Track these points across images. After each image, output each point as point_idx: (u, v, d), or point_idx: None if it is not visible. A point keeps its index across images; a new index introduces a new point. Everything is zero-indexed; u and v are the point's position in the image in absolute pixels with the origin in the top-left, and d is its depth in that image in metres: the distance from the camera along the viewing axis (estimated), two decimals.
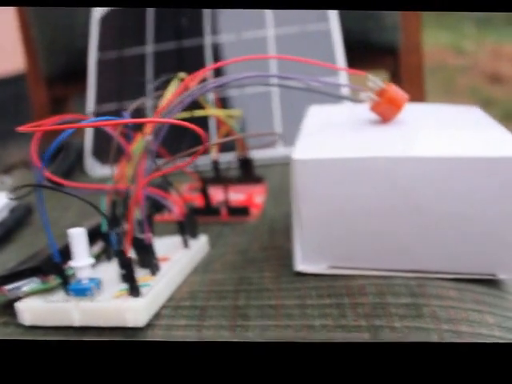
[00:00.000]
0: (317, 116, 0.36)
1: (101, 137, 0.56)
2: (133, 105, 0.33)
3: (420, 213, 0.29)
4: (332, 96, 0.37)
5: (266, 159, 0.51)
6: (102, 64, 0.59)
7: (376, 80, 0.33)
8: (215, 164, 0.46)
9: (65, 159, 0.55)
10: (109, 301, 0.27)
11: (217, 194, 0.43)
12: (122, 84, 0.58)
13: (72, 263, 0.28)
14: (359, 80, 0.38)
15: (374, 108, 0.33)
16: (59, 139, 0.26)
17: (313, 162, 0.29)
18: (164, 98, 0.32)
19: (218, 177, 0.46)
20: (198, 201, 0.42)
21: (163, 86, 0.33)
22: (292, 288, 0.30)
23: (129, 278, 0.27)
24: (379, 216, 0.29)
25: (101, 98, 0.58)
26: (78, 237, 0.28)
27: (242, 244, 0.36)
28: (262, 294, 0.30)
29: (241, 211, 0.41)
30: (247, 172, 0.46)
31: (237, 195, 0.44)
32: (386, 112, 0.33)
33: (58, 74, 0.74)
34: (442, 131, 0.32)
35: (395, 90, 0.33)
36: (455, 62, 1.98)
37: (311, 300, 0.29)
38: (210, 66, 0.36)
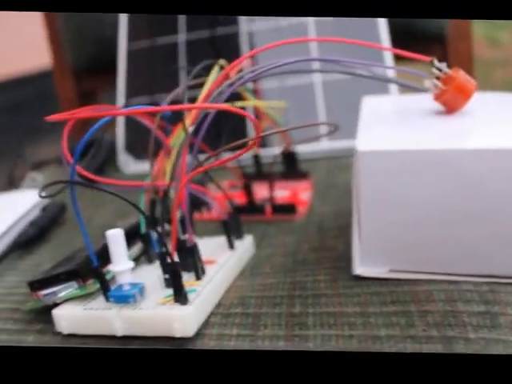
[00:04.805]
0: (373, 107, 0.34)
1: (134, 131, 0.54)
2: (171, 95, 0.30)
3: (495, 212, 0.26)
4: (396, 84, 0.34)
5: (309, 153, 0.49)
6: (132, 55, 0.57)
7: (442, 66, 0.29)
8: (256, 159, 0.43)
9: (96, 155, 0.53)
10: (154, 309, 0.25)
11: (259, 191, 0.40)
12: (154, 75, 0.56)
13: (111, 267, 0.26)
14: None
15: (439, 97, 0.30)
16: (92, 130, 0.23)
17: (379, 153, 0.26)
18: (205, 87, 0.29)
19: (260, 172, 0.43)
20: (239, 198, 0.40)
21: (203, 74, 0.30)
22: (351, 294, 0.28)
23: (176, 284, 0.25)
24: (449, 215, 0.26)
25: (132, 91, 0.56)
26: (115, 238, 0.26)
27: (290, 245, 0.34)
28: (319, 301, 0.27)
29: (287, 209, 0.38)
30: (291, 167, 0.43)
31: (281, 192, 0.41)
32: (452, 101, 0.30)
33: (86, 67, 0.72)
34: None
35: (464, 77, 0.29)
36: (490, 55, 1.91)
37: (373, 307, 0.26)
38: (247, 53, 0.33)
